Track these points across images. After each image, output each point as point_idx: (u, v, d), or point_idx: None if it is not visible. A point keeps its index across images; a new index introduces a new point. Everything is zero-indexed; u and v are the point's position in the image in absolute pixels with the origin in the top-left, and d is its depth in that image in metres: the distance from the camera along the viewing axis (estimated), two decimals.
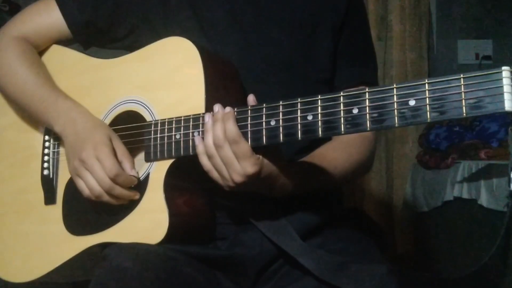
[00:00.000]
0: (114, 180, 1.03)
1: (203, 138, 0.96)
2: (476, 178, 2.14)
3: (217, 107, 0.95)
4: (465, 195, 2.19)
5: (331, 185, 1.15)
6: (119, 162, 1.05)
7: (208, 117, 0.96)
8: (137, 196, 1.05)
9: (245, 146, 0.92)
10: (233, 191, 0.98)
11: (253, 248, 1.05)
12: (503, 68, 0.72)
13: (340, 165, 1.12)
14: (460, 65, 2.96)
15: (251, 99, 0.95)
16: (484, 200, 2.07)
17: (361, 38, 1.24)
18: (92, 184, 1.04)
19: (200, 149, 0.97)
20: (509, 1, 2.90)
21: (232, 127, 0.92)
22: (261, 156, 0.94)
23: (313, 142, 1.15)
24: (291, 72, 1.15)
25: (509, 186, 0.79)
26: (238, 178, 0.93)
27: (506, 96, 0.72)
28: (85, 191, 1.06)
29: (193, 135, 0.99)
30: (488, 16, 2.96)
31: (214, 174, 0.97)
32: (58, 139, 1.19)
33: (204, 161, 0.97)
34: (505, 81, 0.72)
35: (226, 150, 0.93)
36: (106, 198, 1.05)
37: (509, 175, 0.78)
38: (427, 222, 2.53)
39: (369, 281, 0.93)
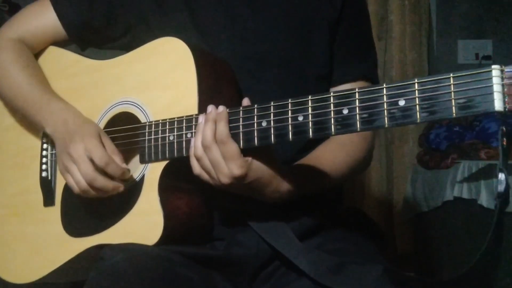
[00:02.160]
0: (104, 168, 1.02)
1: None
2: (476, 178, 2.14)
3: (210, 108, 0.94)
4: (465, 195, 2.19)
5: (330, 187, 1.14)
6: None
7: (201, 118, 0.95)
8: (121, 188, 1.04)
9: (233, 147, 0.92)
10: (227, 191, 0.97)
11: (250, 249, 1.05)
12: (493, 67, 0.71)
13: (338, 165, 1.11)
14: (460, 65, 2.95)
15: (245, 102, 0.95)
16: (484, 200, 2.06)
17: (359, 33, 1.23)
18: (78, 178, 1.03)
19: (191, 152, 0.97)
20: (509, 1, 2.90)
21: (222, 128, 0.92)
22: (250, 159, 0.93)
23: (313, 141, 1.14)
24: (288, 69, 1.14)
25: (497, 187, 0.78)
26: (225, 180, 0.93)
27: (496, 95, 0.70)
28: (74, 187, 1.05)
29: (186, 136, 0.99)
30: (488, 16, 2.96)
31: (204, 177, 0.96)
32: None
33: (194, 163, 0.96)
34: (495, 80, 0.71)
35: (214, 151, 0.92)
36: (92, 192, 1.04)
37: (497, 176, 0.78)
38: (427, 222, 2.53)
39: (364, 282, 0.93)
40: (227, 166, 0.92)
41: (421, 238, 2.63)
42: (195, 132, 0.97)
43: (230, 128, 0.93)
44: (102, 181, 1.03)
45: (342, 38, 1.19)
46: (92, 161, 1.03)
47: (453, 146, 2.37)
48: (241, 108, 0.94)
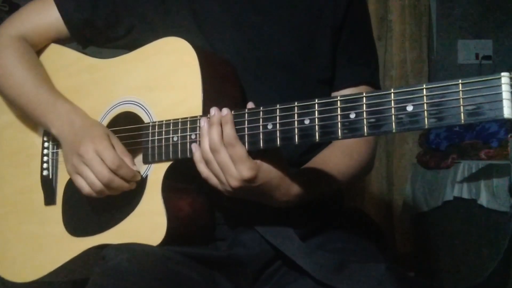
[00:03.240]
0: (116, 171, 1.01)
1: (199, 143, 0.96)
2: (476, 178, 2.14)
3: (213, 111, 0.94)
4: (465, 195, 2.20)
5: (335, 191, 1.14)
6: None
7: (203, 122, 0.94)
8: (134, 186, 1.04)
9: (241, 150, 0.91)
10: (234, 197, 0.97)
11: (252, 248, 1.05)
12: (502, 74, 0.71)
13: (344, 170, 1.10)
14: (460, 65, 2.96)
15: (249, 106, 0.94)
16: (484, 200, 2.07)
17: (362, 38, 1.23)
18: (92, 179, 1.02)
19: (197, 156, 0.96)
20: (509, 1, 2.90)
21: (229, 130, 0.91)
22: (259, 161, 0.93)
23: (317, 143, 1.14)
24: (291, 71, 1.14)
25: (510, 196, 0.78)
26: (234, 183, 0.92)
27: (505, 103, 0.70)
28: (85, 188, 1.04)
29: (190, 138, 0.99)
30: (488, 16, 2.96)
31: (213, 181, 0.95)
32: (57, 140, 1.19)
33: (202, 168, 0.96)
34: (504, 87, 0.70)
35: (223, 154, 0.92)
36: (107, 192, 1.03)
37: (510, 186, 0.78)
38: (427, 222, 2.53)
39: (367, 281, 0.93)
40: (236, 168, 0.91)
41: (421, 238, 2.63)
42: (199, 135, 0.96)
43: (236, 130, 0.92)
44: (118, 182, 1.02)
45: (345, 43, 1.19)
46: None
47: (453, 146, 2.37)
48: (246, 111, 0.93)
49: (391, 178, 2.80)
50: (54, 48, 1.24)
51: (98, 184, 1.02)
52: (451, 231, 2.35)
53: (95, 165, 1.02)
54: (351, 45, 1.20)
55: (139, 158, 1.08)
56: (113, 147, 1.04)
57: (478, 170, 2.14)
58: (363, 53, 1.23)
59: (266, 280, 1.06)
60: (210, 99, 0.99)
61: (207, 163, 0.95)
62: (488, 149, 2.22)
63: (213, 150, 0.93)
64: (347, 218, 1.17)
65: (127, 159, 1.04)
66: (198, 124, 0.98)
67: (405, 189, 2.70)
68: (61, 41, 1.24)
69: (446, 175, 2.32)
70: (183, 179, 1.04)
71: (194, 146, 0.97)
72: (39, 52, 1.25)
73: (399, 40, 2.82)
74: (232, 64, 1.08)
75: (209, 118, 0.94)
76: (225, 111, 0.93)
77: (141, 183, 1.05)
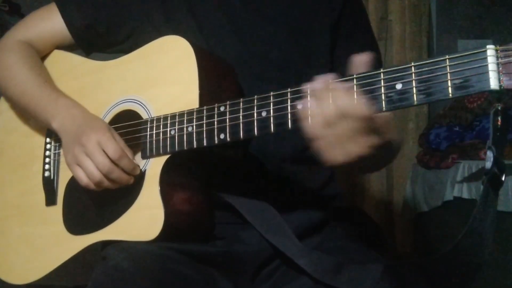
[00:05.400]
0: (117, 161, 1.02)
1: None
2: (476, 178, 2.14)
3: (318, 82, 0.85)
4: (465, 195, 2.19)
5: (385, 158, 1.12)
6: None
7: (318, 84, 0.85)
8: (132, 180, 1.05)
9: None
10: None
11: (251, 246, 1.06)
12: (488, 46, 0.72)
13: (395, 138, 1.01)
14: None
15: None
16: None
17: (361, 34, 1.24)
18: (92, 169, 1.02)
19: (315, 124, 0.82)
20: (509, 1, 2.91)
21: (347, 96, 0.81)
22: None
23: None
24: (289, 69, 1.15)
25: (485, 164, 0.80)
26: (365, 150, 0.80)
27: (491, 74, 0.72)
28: (84, 179, 1.04)
29: (187, 130, 1.00)
30: (488, 16, 2.97)
31: (321, 143, 0.82)
32: (59, 140, 1.19)
33: (316, 126, 0.82)
34: (490, 59, 0.72)
35: (351, 123, 0.79)
36: (106, 183, 1.03)
37: (487, 154, 0.79)
38: (427, 222, 2.53)
39: (365, 280, 0.93)
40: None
41: (421, 238, 2.63)
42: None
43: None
44: (118, 173, 1.03)
45: (344, 38, 1.20)
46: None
47: (453, 146, 2.37)
48: (241, 100, 0.94)
49: (391, 178, 2.80)
50: (57, 53, 1.26)
51: (97, 174, 1.02)
52: (451, 231, 2.34)
53: (96, 155, 1.02)
54: (351, 42, 1.20)
55: (138, 155, 1.09)
56: (115, 139, 1.05)
57: (478, 170, 2.14)
58: (365, 46, 1.23)
59: (265, 278, 1.06)
60: (207, 94, 1.00)
61: (328, 125, 0.81)
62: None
63: (342, 116, 0.80)
64: (346, 217, 1.17)
65: (128, 152, 1.05)
66: (194, 116, 0.98)
67: (405, 189, 2.70)
68: (65, 47, 1.26)
69: (446, 175, 2.32)
70: (181, 174, 1.04)
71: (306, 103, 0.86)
72: (42, 58, 1.26)
73: (399, 40, 2.83)
74: (229, 61, 1.09)
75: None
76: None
77: (140, 179, 1.05)
